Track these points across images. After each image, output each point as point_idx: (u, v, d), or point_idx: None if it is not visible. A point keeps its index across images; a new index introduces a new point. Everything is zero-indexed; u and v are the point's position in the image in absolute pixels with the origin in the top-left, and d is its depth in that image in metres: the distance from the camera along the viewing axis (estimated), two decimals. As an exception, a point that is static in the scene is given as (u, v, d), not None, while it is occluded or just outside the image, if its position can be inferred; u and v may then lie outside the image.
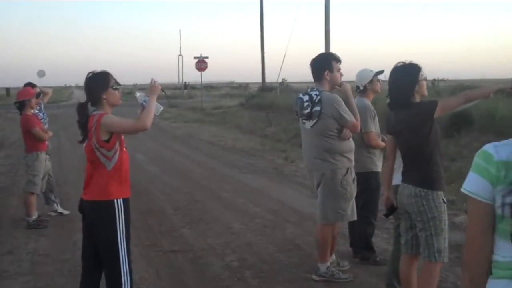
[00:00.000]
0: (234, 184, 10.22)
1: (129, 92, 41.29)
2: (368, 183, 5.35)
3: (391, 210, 4.29)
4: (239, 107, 29.73)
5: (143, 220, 7.49)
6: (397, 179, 4.32)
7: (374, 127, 5.38)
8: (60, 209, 7.91)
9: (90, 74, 3.89)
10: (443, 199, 3.91)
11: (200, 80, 36.24)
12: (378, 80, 5.51)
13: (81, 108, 3.85)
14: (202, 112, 30.41)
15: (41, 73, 45.14)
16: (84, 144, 3.87)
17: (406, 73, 3.99)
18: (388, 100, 4.51)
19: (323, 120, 4.86)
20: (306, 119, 4.97)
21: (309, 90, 4.98)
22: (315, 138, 4.94)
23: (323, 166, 4.92)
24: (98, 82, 3.86)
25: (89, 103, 3.88)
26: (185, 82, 65.53)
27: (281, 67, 36.15)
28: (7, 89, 55.43)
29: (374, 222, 5.58)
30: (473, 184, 1.67)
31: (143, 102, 3.92)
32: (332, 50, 26.12)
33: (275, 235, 6.77)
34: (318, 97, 4.85)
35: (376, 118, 5.44)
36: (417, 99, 3.99)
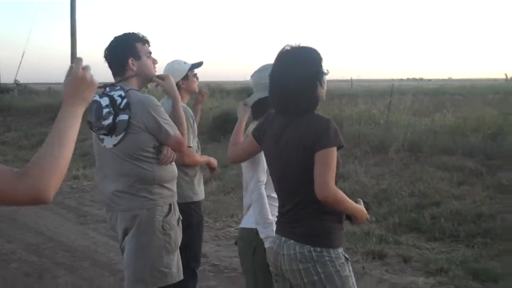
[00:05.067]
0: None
1: None
2: (187, 218, 3.73)
3: None
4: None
5: None
6: (252, 221, 2.96)
7: (193, 140, 3.88)
8: None
9: None
10: (345, 256, 2.57)
11: None
12: (195, 76, 4.02)
13: None
14: None
15: None
16: None
17: (306, 63, 2.54)
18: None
19: (133, 134, 3.17)
20: (106, 134, 3.21)
21: (108, 89, 3.24)
22: (121, 162, 3.20)
23: (134, 204, 3.20)
24: None
25: None
26: None
27: (18, 67, 32.91)
28: None
29: (197, 272, 4.03)
30: None
31: None
32: (79, 50, 23.97)
33: (44, 290, 4.89)
34: (125, 100, 3.15)
35: (195, 126, 3.94)
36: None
